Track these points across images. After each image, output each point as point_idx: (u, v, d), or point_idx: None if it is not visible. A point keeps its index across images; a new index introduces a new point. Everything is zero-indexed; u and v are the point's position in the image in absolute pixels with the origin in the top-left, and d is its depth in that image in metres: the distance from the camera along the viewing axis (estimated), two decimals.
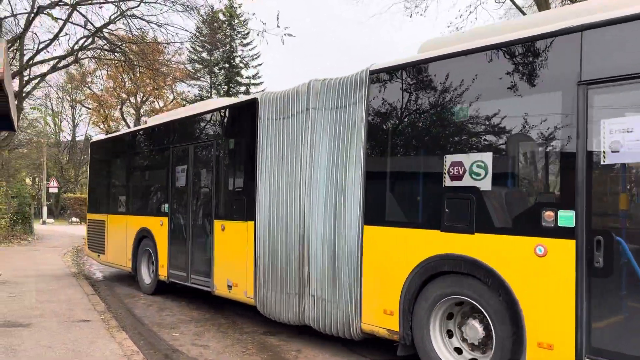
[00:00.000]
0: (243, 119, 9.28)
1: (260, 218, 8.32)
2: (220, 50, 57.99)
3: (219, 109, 10.12)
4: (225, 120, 9.96)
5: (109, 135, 15.17)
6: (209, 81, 57.91)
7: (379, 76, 6.89)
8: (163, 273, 11.24)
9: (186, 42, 34.64)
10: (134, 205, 12.60)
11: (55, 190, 47.67)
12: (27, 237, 24.78)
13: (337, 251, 7.03)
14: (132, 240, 12.08)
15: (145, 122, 14.58)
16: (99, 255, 13.63)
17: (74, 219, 46.93)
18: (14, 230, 24.32)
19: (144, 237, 11.84)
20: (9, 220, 23.44)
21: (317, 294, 7.30)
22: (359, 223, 6.80)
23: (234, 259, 9.13)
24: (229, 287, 9.25)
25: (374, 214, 6.77)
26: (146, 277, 12.25)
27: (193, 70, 56.74)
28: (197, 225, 10.46)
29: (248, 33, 57.67)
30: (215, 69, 58.05)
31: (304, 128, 7.66)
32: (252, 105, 8.88)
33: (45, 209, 46.16)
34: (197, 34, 39.75)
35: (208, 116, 10.51)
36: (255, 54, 58.00)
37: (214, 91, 58.26)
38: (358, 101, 6.95)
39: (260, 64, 58.22)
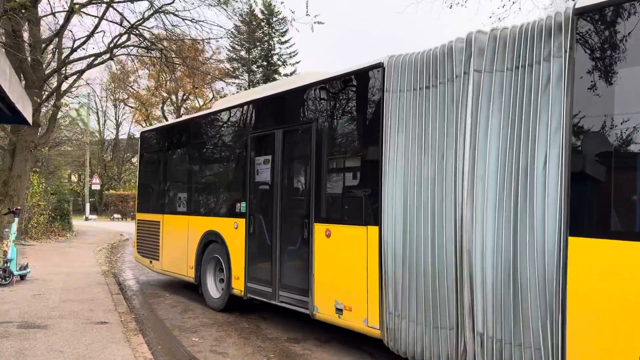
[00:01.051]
0: (359, 92, 7.05)
1: (389, 222, 6.16)
2: (259, 48, 57.81)
3: (322, 82, 7.66)
4: (332, 96, 7.59)
5: (164, 124, 12.80)
6: (247, 79, 57.74)
7: (591, 16, 4.71)
8: (238, 286, 9.07)
9: (222, 38, 34.17)
10: (197, 204, 10.51)
11: (97, 187, 48.19)
12: (66, 234, 24.78)
13: (519, 272, 4.91)
14: (196, 245, 9.96)
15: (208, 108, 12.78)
16: (151, 262, 11.66)
17: (116, 215, 47.36)
18: (53, 227, 24.31)
19: (210, 242, 9.68)
20: (47, 217, 23.38)
21: (486, 332, 5.14)
22: (558, 233, 4.64)
23: (345, 274, 6.95)
24: (338, 310, 7.02)
25: (587, 221, 4.64)
26: (213, 290, 10.06)
27: (232, 69, 56.81)
28: (288, 228, 8.20)
29: (286, 31, 57.47)
30: (254, 67, 57.87)
31: (459, 100, 5.54)
32: (374, 73, 6.71)
33: (88, 206, 46.64)
34: (234, 31, 39.50)
35: (305, 92, 8.06)
36: (293, 52, 57.68)
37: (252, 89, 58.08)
38: (554, 55, 4.80)
39: (298, 62, 57.78)
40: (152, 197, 11.98)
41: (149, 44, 23.26)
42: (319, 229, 7.39)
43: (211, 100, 56.42)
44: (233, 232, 9.07)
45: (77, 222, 37.63)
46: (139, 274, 14.71)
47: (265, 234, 8.52)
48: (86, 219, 43.85)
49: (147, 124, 56.29)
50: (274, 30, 57.95)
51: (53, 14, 22.17)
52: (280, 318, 9.02)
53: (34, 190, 21.50)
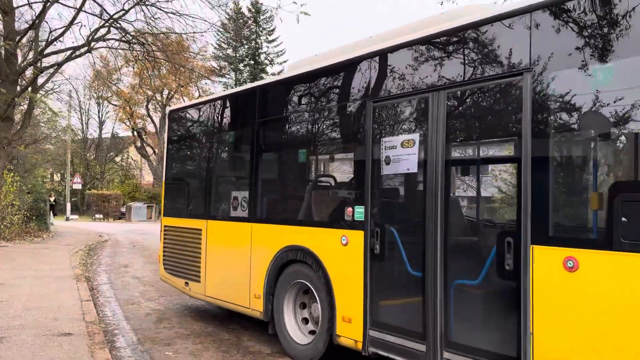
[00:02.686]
0: None
1: None
2: (246, 46, 56.94)
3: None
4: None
5: (210, 97, 9.20)
6: (234, 78, 56.80)
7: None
8: (349, 334, 5.90)
9: (206, 32, 33.27)
10: (269, 207, 7.31)
11: (79, 186, 46.98)
12: (42, 234, 23.66)
13: None
14: (266, 266, 6.85)
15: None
16: (187, 284, 8.52)
17: (98, 216, 46.21)
18: (28, 227, 23.21)
19: (291, 261, 6.60)
20: (22, 217, 22.29)
21: None
22: None
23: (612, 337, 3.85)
24: None
25: None
26: (295, 331, 6.85)
27: (218, 67, 55.90)
28: (460, 250, 5.23)
29: (273, 29, 56.67)
30: (240, 66, 56.97)
31: None
32: None
33: (69, 206, 45.44)
34: (221, 29, 38.65)
35: (511, 22, 4.64)
36: (281, 51, 56.87)
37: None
38: None
39: (286, 61, 56.84)
40: (188, 196, 8.87)
41: (131, 37, 22.27)
42: (545, 255, 4.24)
43: (197, 98, 55.48)
44: (339, 250, 5.89)
45: (58, 222, 36.52)
46: (115, 277, 13.76)
47: (406, 256, 5.48)
48: (67, 219, 42.67)
49: (132, 123, 55.19)
50: (261, 29, 57.14)
51: (29, 4, 21.15)
52: (263, 328, 8.15)
53: (7, 189, 20.40)
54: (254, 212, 7.18)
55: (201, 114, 8.83)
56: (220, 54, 56.41)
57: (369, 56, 5.85)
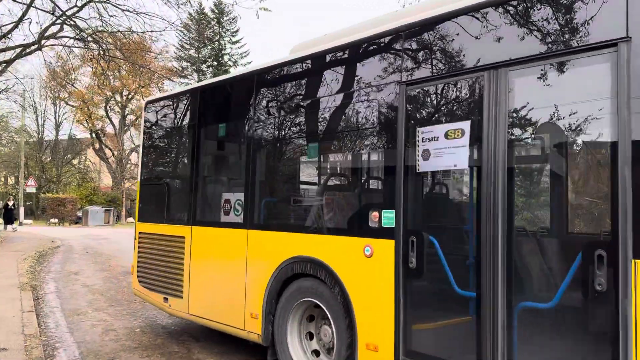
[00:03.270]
0: None
1: None
2: (209, 47, 55.58)
3: None
4: None
5: (194, 86, 7.60)
6: (196, 79, 55.28)
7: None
8: None
9: (165, 30, 31.96)
10: (268, 211, 6.05)
11: (33, 189, 44.73)
12: None
13: None
14: (265, 279, 5.59)
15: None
16: (166, 300, 7.11)
17: (53, 220, 44.05)
18: None
19: (297, 275, 5.33)
20: None
21: None
22: None
23: None
24: None
25: None
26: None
27: (180, 68, 54.36)
28: (528, 268, 4.28)
29: (237, 31, 55.49)
30: (203, 67, 55.49)
31: None
32: None
33: (22, 210, 43.18)
34: (181, 28, 37.37)
35: None
36: (245, 52, 55.64)
37: None
38: None
39: (250, 62, 55.64)
40: (168, 199, 7.38)
41: (86, 36, 20.85)
42: None
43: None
44: (360, 262, 4.66)
45: (13, 226, 34.48)
46: (63, 286, 12.49)
47: (451, 271, 4.29)
48: (20, 223, 40.46)
49: (90, 124, 53.11)
50: (224, 30, 55.85)
51: None
52: (216, 339, 7.21)
53: None
54: (251, 217, 5.86)
55: (185, 104, 7.38)
56: (183, 55, 54.87)
57: (404, 29, 4.64)
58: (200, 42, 54.85)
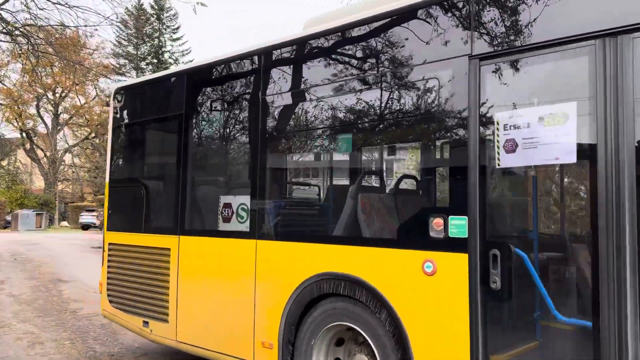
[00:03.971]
0: None
1: None
2: (148, 44, 53.45)
3: None
4: None
5: (182, 69, 6.09)
6: (135, 77, 53.01)
7: None
8: None
9: (99, 25, 30.23)
10: (285, 217, 4.89)
11: None
12: None
13: None
14: (283, 300, 4.42)
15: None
16: (146, 324, 5.75)
17: None
18: None
19: (325, 296, 4.18)
20: None
21: None
22: None
23: None
24: None
25: None
26: None
27: (117, 65, 51.96)
28: None
29: (178, 28, 53.67)
30: (143, 64, 53.27)
31: None
32: None
33: None
34: (117, 23, 35.54)
35: None
36: (186, 50, 53.77)
37: None
38: None
39: (192, 60, 53.82)
40: (147, 203, 5.98)
41: (13, 30, 19.03)
42: None
43: (94, 98, 51.24)
44: (418, 281, 3.64)
45: None
46: None
47: (548, 295, 3.40)
48: None
49: (20, 123, 49.97)
50: (164, 27, 53.81)
51: None
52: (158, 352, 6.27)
53: None
54: (261, 224, 4.63)
55: (166, 91, 5.99)
56: (120, 52, 52.52)
57: None
58: (139, 39, 52.63)
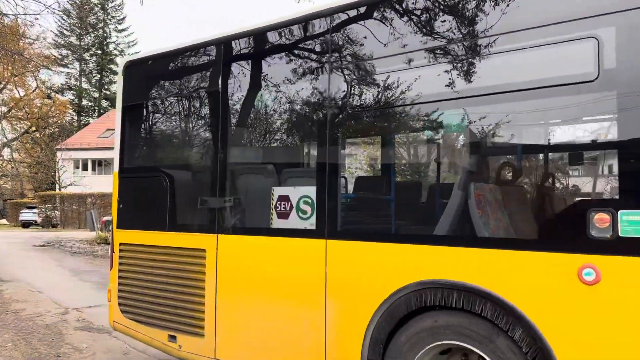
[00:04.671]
0: None
1: None
2: (92, 35, 51.11)
3: None
4: None
5: (226, 34, 4.55)
6: (78, 68, 50.64)
7: None
8: None
9: (41, 13, 28.51)
10: (367, 212, 4.23)
11: None
12: None
13: None
14: (367, 315, 3.54)
15: None
16: (172, 338, 4.67)
17: None
18: None
19: (425, 309, 3.36)
20: None
21: None
22: None
23: None
24: None
25: None
26: None
27: (60, 56, 49.42)
28: None
29: (124, 18, 51.60)
30: (86, 56, 50.90)
31: None
32: None
33: None
34: (59, 12, 33.60)
35: None
36: (132, 41, 51.72)
37: (84, 79, 51.07)
38: None
39: (138, 52, 51.83)
40: (172, 196, 4.88)
41: None
42: None
43: (34, 90, 48.48)
44: (572, 292, 2.86)
45: None
46: None
47: None
48: None
49: None
50: (109, 17, 51.58)
51: None
52: None
53: None
54: (333, 220, 3.73)
55: (196, 63, 4.90)
56: (62, 42, 49.96)
57: None
58: (82, 29, 50.22)
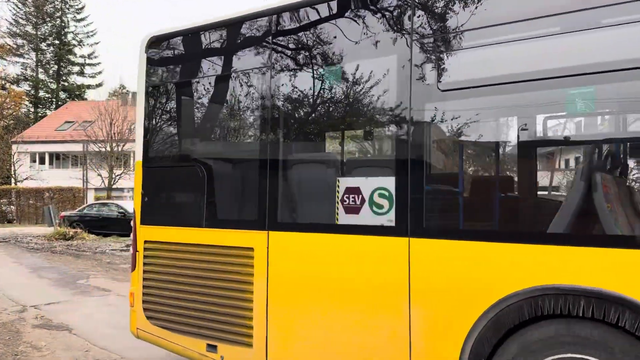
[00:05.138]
0: None
1: None
2: (49, 24, 49.08)
3: None
4: None
5: (277, 4, 3.92)
6: (34, 58, 48.57)
7: None
8: None
9: None
10: (464, 205, 3.42)
11: None
12: None
13: None
14: (464, 326, 3.02)
15: None
16: (212, 348, 4.00)
17: None
18: None
19: (541, 318, 2.88)
20: None
21: None
22: None
23: None
24: None
25: None
26: None
27: (14, 46, 47.30)
28: None
29: (82, 8, 49.74)
30: (43, 45, 48.83)
31: None
32: None
33: None
34: (16, 1, 32.21)
35: None
36: (92, 31, 49.87)
37: (40, 70, 49.02)
38: None
39: (97, 43, 50.18)
40: (209, 189, 4.20)
41: None
42: None
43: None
44: None
45: None
46: None
47: None
48: None
49: None
50: (67, 6, 49.61)
51: None
52: None
53: None
54: (418, 215, 3.22)
55: (241, 38, 4.19)
56: (17, 31, 47.80)
57: None
58: (38, 18, 48.17)
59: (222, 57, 4.29)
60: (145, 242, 4.50)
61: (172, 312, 4.32)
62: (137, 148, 4.58)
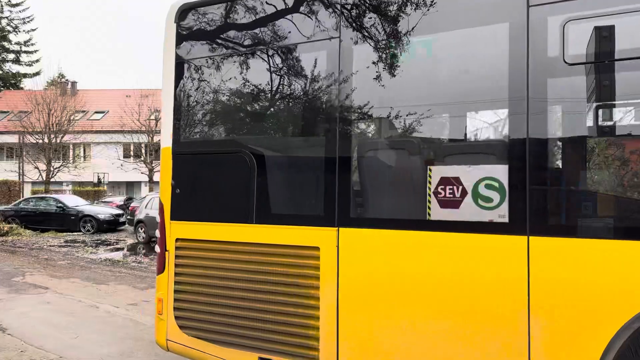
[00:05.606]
0: None
1: None
2: None
3: None
4: None
5: None
6: None
7: None
8: None
9: None
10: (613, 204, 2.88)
11: None
12: None
13: None
14: (603, 338, 2.55)
15: None
16: None
17: None
18: None
19: None
20: None
21: None
22: None
23: None
24: None
25: None
26: None
27: None
28: None
29: None
30: None
31: None
32: None
33: None
34: None
35: None
36: (28, 17, 46.97)
37: None
38: None
39: (35, 29, 47.38)
40: (261, 180, 3.46)
41: None
42: None
43: None
44: None
45: None
46: None
47: None
48: None
49: None
50: None
51: None
52: None
53: None
54: (542, 209, 2.78)
55: (293, 6, 3.46)
56: None
57: None
58: None
59: (276, 26, 3.66)
60: (177, 240, 3.82)
61: (213, 320, 3.67)
62: (164, 133, 3.89)
